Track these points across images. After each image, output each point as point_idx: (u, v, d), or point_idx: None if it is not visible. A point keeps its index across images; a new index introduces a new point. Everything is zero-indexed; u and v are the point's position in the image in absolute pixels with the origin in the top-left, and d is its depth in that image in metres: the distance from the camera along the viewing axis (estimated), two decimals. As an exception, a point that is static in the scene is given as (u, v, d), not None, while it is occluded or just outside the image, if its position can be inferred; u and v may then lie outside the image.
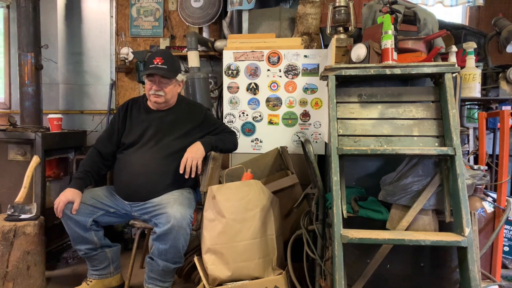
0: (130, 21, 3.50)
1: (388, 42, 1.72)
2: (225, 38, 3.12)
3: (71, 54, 3.52)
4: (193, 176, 2.04)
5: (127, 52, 3.44)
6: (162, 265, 1.95)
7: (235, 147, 2.30)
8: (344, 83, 1.74)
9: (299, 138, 2.58)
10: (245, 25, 2.85)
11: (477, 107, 2.52)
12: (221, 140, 2.20)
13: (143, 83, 3.02)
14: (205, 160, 2.25)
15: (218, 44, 3.05)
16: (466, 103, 2.41)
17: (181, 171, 2.03)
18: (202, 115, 2.27)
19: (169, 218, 1.88)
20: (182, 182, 2.13)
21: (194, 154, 2.05)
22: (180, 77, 2.21)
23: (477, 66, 2.14)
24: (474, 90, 2.09)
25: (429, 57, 1.82)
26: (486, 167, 1.85)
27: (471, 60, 2.11)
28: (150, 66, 2.11)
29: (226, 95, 2.63)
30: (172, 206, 1.93)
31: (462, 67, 2.12)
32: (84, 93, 3.56)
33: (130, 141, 2.18)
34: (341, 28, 2.20)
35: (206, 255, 1.88)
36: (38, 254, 2.24)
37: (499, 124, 2.03)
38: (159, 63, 2.09)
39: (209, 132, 2.25)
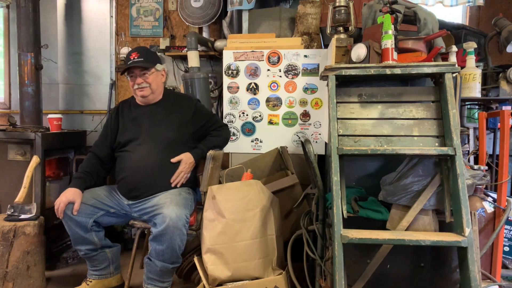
0: (130, 21, 3.50)
1: (388, 42, 1.72)
2: (225, 38, 3.11)
3: (71, 54, 3.52)
4: (178, 186, 2.14)
5: (127, 52, 3.43)
6: (160, 265, 1.95)
7: (227, 141, 2.37)
8: (344, 83, 1.74)
9: (299, 138, 2.57)
10: (245, 25, 2.85)
11: (477, 107, 2.52)
12: (212, 143, 2.24)
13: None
14: (205, 160, 2.26)
15: (218, 44, 3.05)
16: (466, 103, 2.41)
17: (171, 180, 2.12)
18: (193, 106, 2.28)
19: (165, 219, 1.88)
20: None
21: (187, 169, 2.14)
22: (160, 66, 2.25)
23: (477, 66, 2.14)
24: (474, 90, 2.09)
25: (429, 57, 1.81)
26: (486, 167, 1.85)
27: (471, 60, 2.11)
28: (128, 63, 2.16)
29: (226, 95, 2.63)
30: (168, 207, 1.93)
31: (462, 67, 2.12)
32: (84, 93, 3.56)
33: (126, 139, 2.20)
34: (341, 28, 2.20)
35: (206, 255, 1.87)
36: (38, 254, 2.24)
37: (499, 124, 2.03)
38: (135, 58, 2.15)
39: (201, 125, 2.27)
